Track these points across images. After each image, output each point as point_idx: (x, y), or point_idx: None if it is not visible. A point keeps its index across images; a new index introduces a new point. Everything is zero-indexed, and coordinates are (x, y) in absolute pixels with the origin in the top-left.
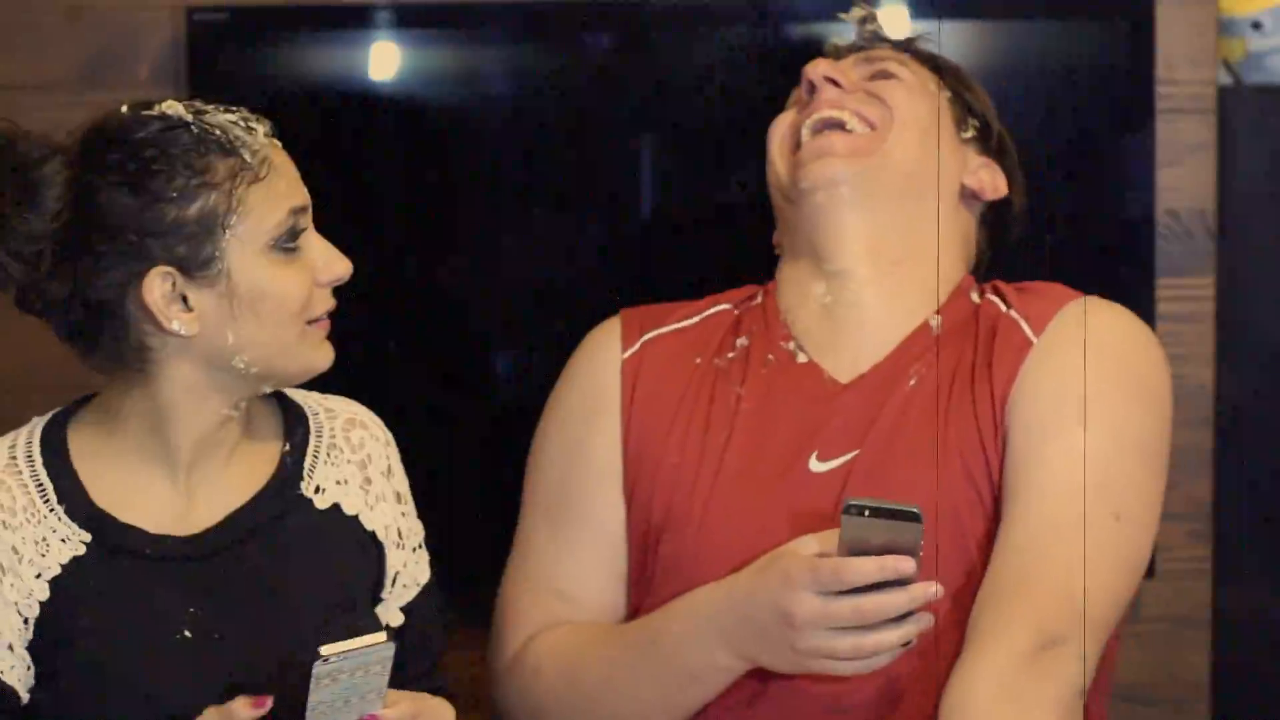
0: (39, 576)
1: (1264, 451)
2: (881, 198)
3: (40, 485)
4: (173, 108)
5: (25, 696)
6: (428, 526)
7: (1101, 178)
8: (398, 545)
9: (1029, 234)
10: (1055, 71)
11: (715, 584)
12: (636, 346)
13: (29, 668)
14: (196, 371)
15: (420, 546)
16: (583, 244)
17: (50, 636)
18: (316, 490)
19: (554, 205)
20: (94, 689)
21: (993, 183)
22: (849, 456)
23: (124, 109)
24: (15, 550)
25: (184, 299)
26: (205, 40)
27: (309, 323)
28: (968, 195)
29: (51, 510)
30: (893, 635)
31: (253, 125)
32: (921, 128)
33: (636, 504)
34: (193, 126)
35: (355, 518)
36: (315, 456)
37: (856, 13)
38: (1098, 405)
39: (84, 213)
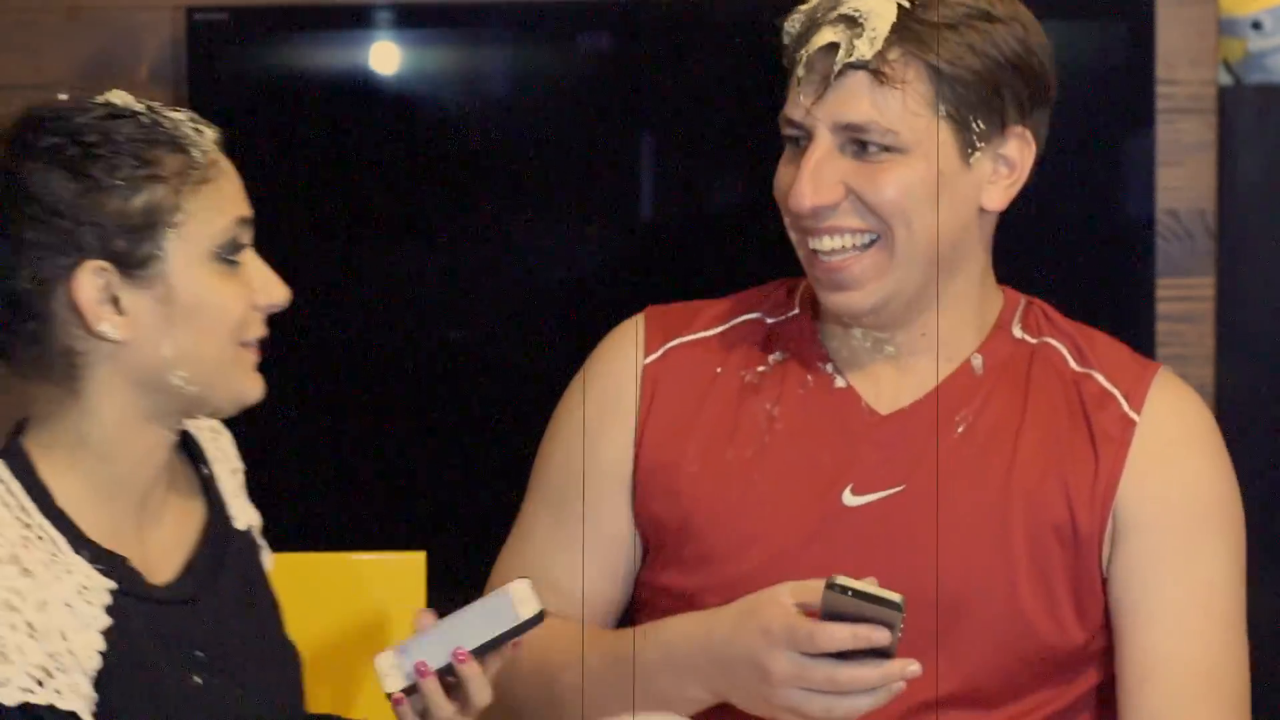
0: (87, 627)
1: (1264, 451)
2: (906, 291)
3: (45, 533)
4: (120, 97)
5: None
6: (427, 527)
7: (1101, 178)
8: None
9: (1028, 235)
10: (1055, 71)
11: (694, 618)
12: (660, 353)
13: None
14: (130, 389)
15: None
16: (582, 244)
17: (104, 694)
18: (237, 515)
19: (553, 205)
20: None
21: (1021, 167)
22: (888, 492)
23: (63, 95)
24: (69, 605)
25: (115, 301)
26: (205, 40)
27: (242, 346)
28: (996, 209)
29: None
30: (864, 702)
31: (202, 128)
32: (928, 200)
33: (650, 510)
34: (142, 117)
35: (249, 531)
36: (220, 478)
37: (826, 36)
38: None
39: (12, 196)
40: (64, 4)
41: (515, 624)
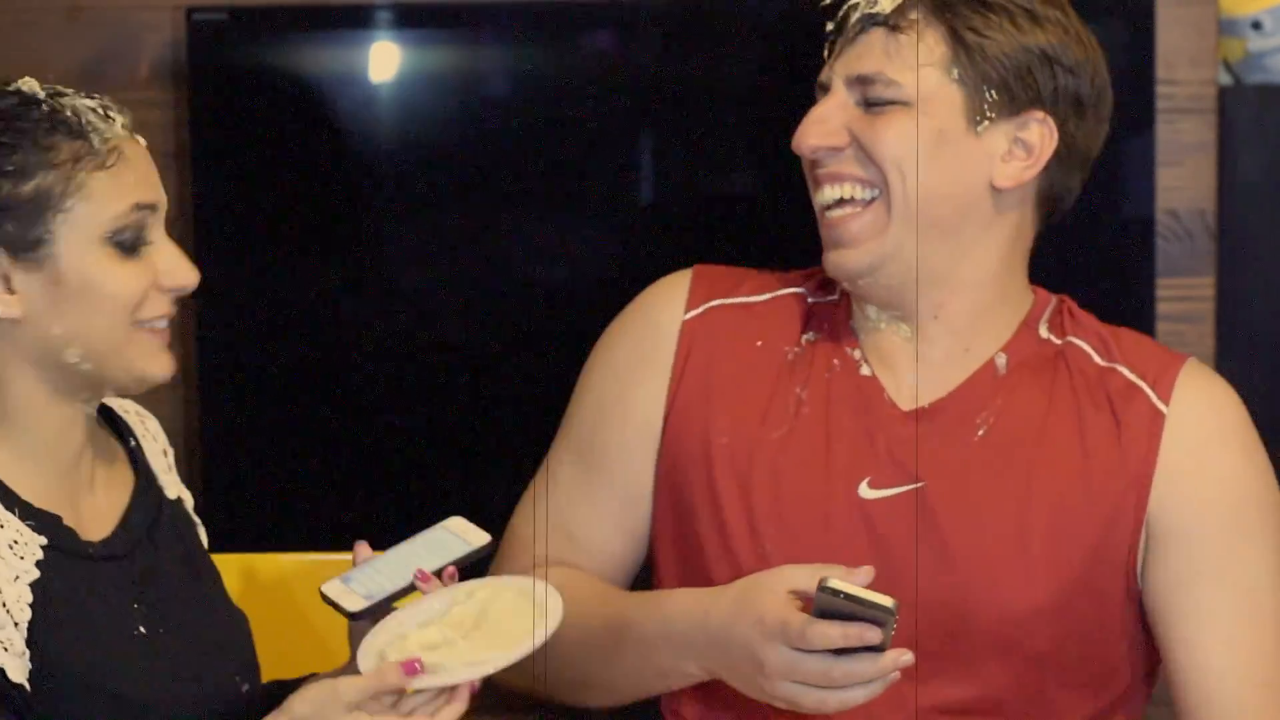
0: (17, 579)
1: (1265, 451)
2: (904, 256)
3: None
4: (28, 84)
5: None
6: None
7: (1101, 178)
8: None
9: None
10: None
11: (693, 595)
12: (700, 310)
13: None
14: (30, 366)
15: None
16: (582, 244)
17: (34, 644)
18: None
19: (553, 205)
20: (71, 693)
21: (1039, 153)
22: (906, 488)
23: None
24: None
25: (7, 280)
26: (205, 40)
27: (142, 327)
28: (1005, 186)
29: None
30: (858, 694)
31: (112, 114)
32: (928, 158)
33: (675, 472)
34: (44, 105)
35: (180, 500)
36: (148, 453)
37: None
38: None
39: None
40: (64, 4)
41: (469, 550)
